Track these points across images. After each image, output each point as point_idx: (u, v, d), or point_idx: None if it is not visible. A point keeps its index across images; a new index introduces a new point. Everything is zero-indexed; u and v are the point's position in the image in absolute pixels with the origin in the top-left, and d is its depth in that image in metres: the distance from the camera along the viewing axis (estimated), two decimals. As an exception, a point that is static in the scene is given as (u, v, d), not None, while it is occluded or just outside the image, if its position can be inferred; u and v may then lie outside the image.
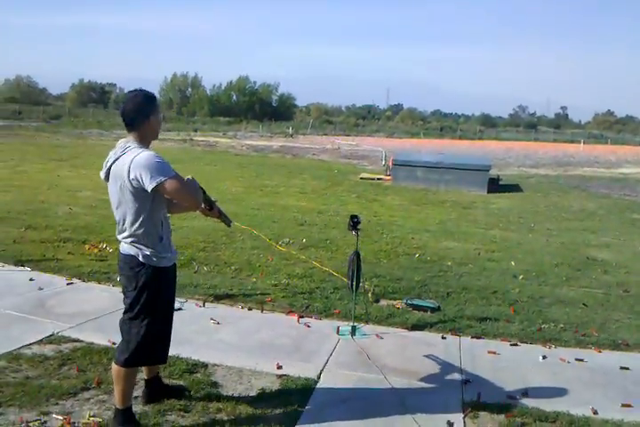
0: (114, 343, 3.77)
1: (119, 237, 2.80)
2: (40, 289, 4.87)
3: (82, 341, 3.85)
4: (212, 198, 3.07)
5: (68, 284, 5.09)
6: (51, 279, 5.21)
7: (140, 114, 2.72)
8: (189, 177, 2.84)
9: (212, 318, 4.42)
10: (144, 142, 2.73)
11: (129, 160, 2.62)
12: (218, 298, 4.92)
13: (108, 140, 27.11)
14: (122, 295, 4.69)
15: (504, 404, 3.32)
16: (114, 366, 2.81)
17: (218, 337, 4.12)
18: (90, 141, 26.48)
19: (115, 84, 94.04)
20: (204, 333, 4.17)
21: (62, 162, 16.07)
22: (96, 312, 4.40)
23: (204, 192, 2.96)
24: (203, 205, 3.00)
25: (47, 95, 79.64)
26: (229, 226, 3.30)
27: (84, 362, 3.53)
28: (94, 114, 56.60)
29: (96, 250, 6.27)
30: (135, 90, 2.79)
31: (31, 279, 5.12)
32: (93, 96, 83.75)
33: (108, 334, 3.90)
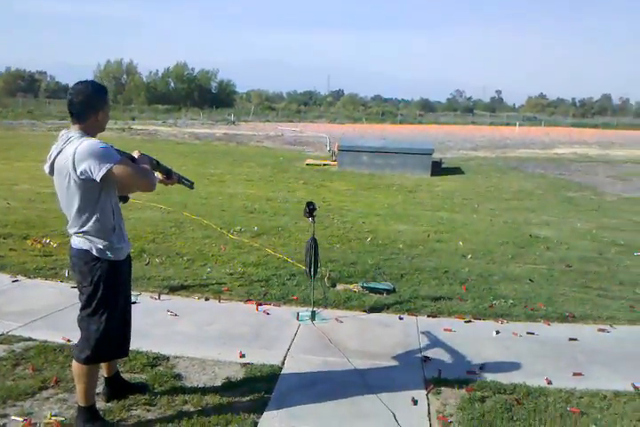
0: (68, 340, 3.67)
1: (70, 231, 2.69)
2: (-17, 288, 4.66)
3: (34, 339, 3.70)
4: (168, 166, 3.04)
5: (12, 281, 4.88)
6: (-6, 277, 4.98)
7: (89, 107, 2.61)
8: (137, 152, 2.80)
9: (168, 310, 4.35)
10: (88, 134, 2.62)
11: (72, 152, 2.51)
12: (173, 290, 4.84)
13: (42, 131, 26.02)
14: (71, 291, 4.62)
15: (464, 379, 3.43)
16: (74, 364, 2.72)
17: (176, 329, 4.05)
18: (22, 132, 25.29)
19: (45, 73, 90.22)
20: (161, 325, 4.09)
21: (-7, 155, 15.28)
22: (46, 309, 4.24)
23: (158, 163, 2.93)
24: (160, 176, 2.98)
25: (-29, 85, 75.41)
26: (192, 188, 3.30)
27: (39, 361, 3.41)
28: (24, 104, 54.11)
29: (39, 245, 6.03)
30: (86, 81, 2.67)
31: (-27, 278, 4.89)
32: (22, 85, 79.90)
33: (61, 332, 3.77)
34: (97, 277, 2.64)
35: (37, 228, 6.81)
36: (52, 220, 7.24)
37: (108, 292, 2.67)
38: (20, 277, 4.99)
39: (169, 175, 3.03)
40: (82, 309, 2.72)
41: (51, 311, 4.21)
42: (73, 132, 2.61)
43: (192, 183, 3.27)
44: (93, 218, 2.61)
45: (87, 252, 2.64)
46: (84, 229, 2.62)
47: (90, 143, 2.52)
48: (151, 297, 4.63)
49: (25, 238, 6.27)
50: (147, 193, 8.24)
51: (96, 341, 2.68)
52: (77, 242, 2.67)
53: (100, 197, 2.59)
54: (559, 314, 4.59)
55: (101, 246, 2.63)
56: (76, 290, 4.55)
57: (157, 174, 2.96)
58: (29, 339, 3.71)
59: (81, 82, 2.67)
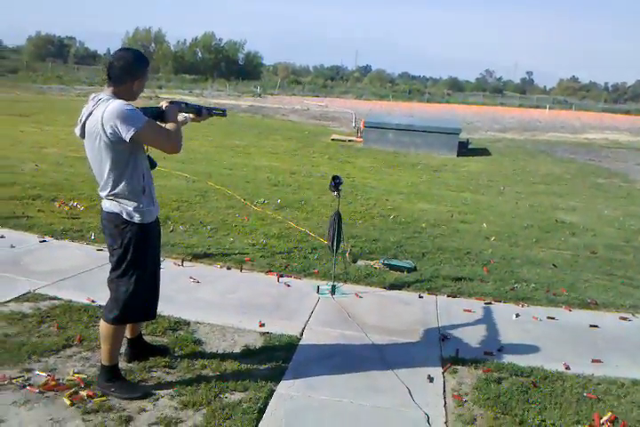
0: (93, 301, 3.75)
1: (101, 193, 2.72)
2: (12, 247, 4.75)
3: (60, 298, 3.79)
4: (197, 105, 3.08)
5: (40, 241, 4.97)
6: (22, 237, 5.07)
7: (127, 73, 2.64)
8: (164, 103, 2.82)
9: (191, 277, 4.41)
10: (118, 98, 2.63)
11: (100, 114, 2.54)
12: (196, 257, 4.89)
13: (70, 96, 26.18)
14: (97, 253, 4.71)
15: (481, 359, 3.44)
16: (102, 324, 2.78)
17: (198, 296, 4.11)
18: (50, 97, 25.48)
19: (74, 38, 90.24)
20: (184, 291, 4.15)
21: (24, 118, 15.44)
22: (72, 270, 4.33)
23: (187, 105, 2.98)
24: (191, 115, 3.02)
25: (2, 48, 75.88)
26: (225, 115, 3.32)
27: (64, 320, 3.49)
28: (53, 68, 54.35)
29: (67, 208, 6.12)
30: (130, 48, 2.73)
31: (2, 237, 4.98)
32: (52, 50, 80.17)
33: (86, 292, 3.86)
34: (127, 239, 2.68)
35: (65, 191, 6.90)
36: (79, 183, 7.33)
37: (137, 254, 2.71)
38: (47, 238, 5.08)
39: (199, 113, 3.05)
40: (112, 270, 2.77)
41: (77, 272, 4.29)
42: (103, 94, 2.64)
43: (224, 111, 3.30)
44: (124, 180, 2.64)
45: (117, 215, 2.67)
46: (115, 191, 2.65)
47: (117, 104, 2.54)
48: (175, 263, 4.68)
49: (53, 200, 6.37)
50: (174, 157, 8.22)
51: (124, 302, 2.73)
52: (108, 205, 2.71)
53: (129, 158, 2.62)
54: (581, 300, 4.54)
55: (131, 209, 2.66)
56: (101, 252, 4.69)
57: (188, 115, 3.00)
58: (55, 298, 3.80)
59: (125, 49, 2.72)
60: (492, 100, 67.50)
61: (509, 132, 24.05)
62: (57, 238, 5.11)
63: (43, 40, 79.50)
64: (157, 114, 2.78)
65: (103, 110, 2.54)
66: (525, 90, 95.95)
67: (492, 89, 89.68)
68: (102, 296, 3.51)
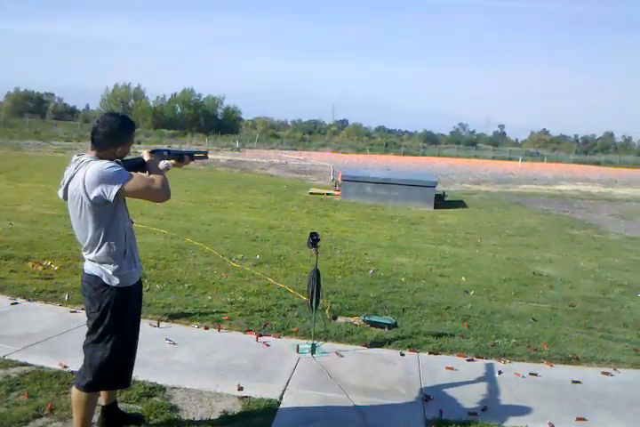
0: (65, 367, 3.62)
1: (83, 254, 2.72)
2: (-19, 310, 4.61)
3: (31, 364, 3.65)
4: (179, 150, 3.08)
5: (12, 304, 4.84)
6: (-7, 299, 4.94)
7: (112, 140, 2.66)
8: (146, 153, 2.82)
9: (167, 339, 4.30)
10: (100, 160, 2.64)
11: (82, 177, 2.55)
12: (172, 317, 4.79)
13: (47, 152, 26.21)
14: (70, 315, 4.59)
15: (465, 420, 3.36)
16: (74, 391, 2.68)
17: (175, 358, 4.00)
18: (27, 153, 25.45)
19: (53, 94, 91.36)
20: (159, 354, 4.03)
21: (-1, 174, 15.36)
22: (44, 334, 4.19)
23: (169, 152, 2.97)
24: (173, 162, 2.97)
25: (-21, 104, 76.35)
26: (207, 157, 3.30)
27: (35, 387, 3.35)
28: (31, 124, 54.62)
29: (40, 267, 6.00)
30: (117, 114, 2.75)
31: (-29, 299, 4.85)
32: (30, 106, 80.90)
33: (58, 357, 3.73)
34: (105, 303, 2.64)
35: (39, 249, 6.79)
36: (54, 242, 7.23)
37: (115, 319, 2.66)
38: (19, 300, 4.95)
39: (182, 159, 3.05)
40: (88, 334, 2.71)
41: (48, 336, 4.16)
42: (85, 156, 2.66)
43: (205, 153, 3.29)
44: (105, 242, 2.63)
45: (97, 278, 2.65)
46: (96, 253, 2.64)
47: (97, 166, 2.55)
48: (150, 324, 4.57)
49: (26, 260, 6.24)
50: (152, 213, 8.12)
51: (99, 368, 2.64)
52: (89, 267, 2.69)
53: (112, 220, 2.62)
54: (562, 355, 4.52)
55: (111, 272, 2.64)
56: (74, 314, 4.57)
57: (170, 162, 2.96)
58: (25, 364, 3.66)
59: (112, 114, 2.75)
60: (466, 152, 69.33)
61: (484, 184, 24.57)
62: (29, 300, 4.98)
63: (21, 96, 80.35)
64: (139, 164, 2.80)
65: (84, 173, 2.55)
66: (498, 142, 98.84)
67: (465, 142, 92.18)
68: (75, 361, 3.41)
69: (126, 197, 2.68)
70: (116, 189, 2.50)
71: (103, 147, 2.65)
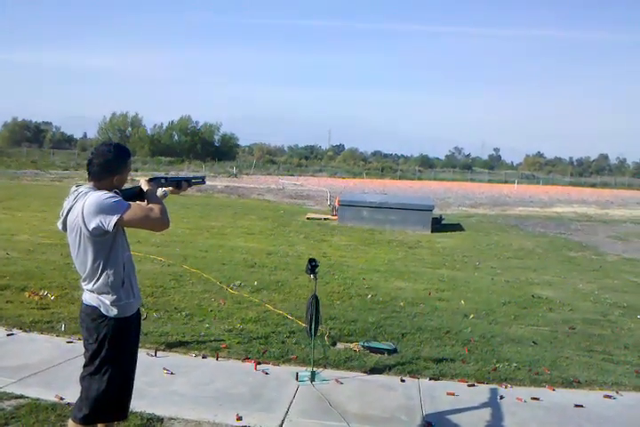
0: (61, 398, 3.57)
1: (82, 285, 2.71)
2: (-23, 341, 4.57)
3: (26, 397, 3.60)
4: (177, 177, 3.09)
5: (8, 335, 4.79)
6: (-12, 330, 4.89)
7: (107, 170, 2.66)
8: (144, 182, 2.81)
9: (164, 368, 4.25)
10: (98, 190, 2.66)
11: (80, 208, 2.56)
12: (170, 346, 4.74)
13: (44, 181, 26.28)
14: (67, 346, 4.56)
15: (468, 448, 3.32)
16: (71, 424, 2.64)
17: (172, 388, 3.95)
18: (25, 182, 25.53)
19: (51, 123, 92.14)
20: (157, 384, 3.98)
21: (-4, 203, 15.38)
22: (40, 365, 4.15)
23: (167, 179, 2.98)
24: (170, 188, 2.99)
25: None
26: (204, 182, 3.31)
27: (30, 420, 3.30)
28: (29, 153, 54.91)
29: (37, 298, 5.96)
30: (110, 143, 2.73)
31: (-33, 331, 4.80)
32: (28, 135, 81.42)
33: (54, 389, 3.68)
34: (102, 334, 2.62)
35: (36, 279, 6.75)
36: (50, 271, 7.20)
37: (112, 351, 2.64)
38: (15, 331, 4.91)
39: (179, 185, 3.06)
40: (85, 366, 2.68)
41: (45, 367, 4.12)
42: (83, 187, 2.66)
43: (203, 178, 3.30)
44: (105, 272, 2.63)
45: (95, 308, 2.64)
46: (95, 284, 2.64)
47: (94, 197, 2.55)
48: (147, 354, 4.52)
49: (23, 290, 6.21)
50: (149, 241, 8.14)
51: (95, 400, 2.61)
52: (87, 297, 2.68)
53: (111, 250, 2.62)
54: (564, 379, 4.48)
55: (108, 302, 2.63)
56: (71, 344, 4.54)
57: (167, 189, 2.97)
58: (21, 396, 3.61)
59: (106, 144, 2.73)
60: (462, 175, 69.71)
61: (481, 207, 24.64)
62: (25, 331, 4.94)
63: (19, 126, 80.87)
64: (137, 193, 2.80)
65: (82, 205, 2.55)
66: (493, 166, 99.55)
67: (461, 165, 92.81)
68: (71, 393, 3.37)
69: (125, 227, 2.68)
70: (114, 219, 2.51)
71: (100, 177, 2.66)
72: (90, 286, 2.65)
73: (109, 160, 2.66)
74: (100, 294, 2.63)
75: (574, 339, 5.61)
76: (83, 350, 2.71)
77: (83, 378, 2.67)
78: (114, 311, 2.63)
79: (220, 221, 14.46)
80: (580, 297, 7.61)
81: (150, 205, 2.69)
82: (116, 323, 2.63)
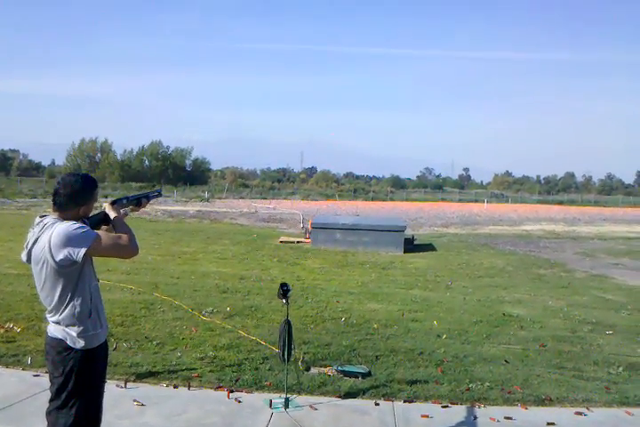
0: (27, 435, 3.47)
1: (47, 317, 2.68)
2: (-61, 378, 4.42)
3: (-10, 435, 3.50)
4: (136, 196, 3.13)
5: (-29, 370, 4.66)
6: (-49, 366, 4.74)
7: (74, 201, 2.66)
8: (108, 206, 2.84)
9: (135, 400, 4.16)
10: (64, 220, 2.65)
11: (47, 240, 2.54)
12: (140, 377, 4.65)
13: (11, 209, 25.77)
14: (33, 380, 4.46)
15: (443, 470, 3.31)
16: None
17: (143, 420, 3.87)
18: (-9, 210, 25.00)
19: (17, 151, 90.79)
20: (126, 417, 3.90)
21: (-39, 233, 15.01)
22: (5, 400, 4.02)
23: (128, 199, 3.04)
24: (131, 207, 3.05)
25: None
26: (161, 195, 3.41)
27: (-6, 459, 3.20)
28: (-5, 181, 53.92)
29: (2, 330, 5.80)
30: (77, 174, 2.74)
31: None
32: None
33: (20, 425, 3.59)
34: (69, 368, 2.58)
35: (1, 311, 6.58)
36: (16, 303, 7.02)
37: (79, 384, 2.59)
38: (-21, 365, 4.76)
39: (140, 203, 3.10)
40: (51, 400, 2.63)
41: (10, 403, 4.00)
42: (49, 218, 2.64)
43: (159, 191, 3.38)
44: (71, 303, 2.60)
45: (61, 341, 2.61)
46: (61, 315, 2.60)
47: (62, 228, 2.53)
48: (117, 385, 4.43)
49: (-13, 323, 6.04)
50: (118, 269, 8.03)
51: None
52: (53, 330, 2.65)
53: (78, 280, 2.60)
54: (536, 397, 4.52)
55: (75, 334, 2.59)
56: (37, 378, 4.44)
57: (127, 209, 3.02)
58: (-15, 434, 3.50)
59: (72, 174, 2.73)
60: (433, 195, 70.63)
61: (452, 226, 24.94)
62: (-10, 365, 4.80)
63: (-15, 154, 79.54)
64: (102, 218, 2.83)
65: (50, 236, 2.53)
66: (463, 185, 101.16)
67: (432, 185, 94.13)
68: (37, 429, 3.29)
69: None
70: (83, 250, 2.50)
71: (66, 208, 2.65)
72: (55, 318, 2.61)
73: (76, 191, 2.65)
74: (66, 326, 2.59)
75: (545, 356, 5.68)
76: (49, 384, 2.66)
77: (49, 413, 2.61)
78: (81, 343, 2.59)
79: (192, 246, 14.34)
80: (550, 314, 7.72)
81: (119, 234, 2.68)
82: (82, 355, 2.59)
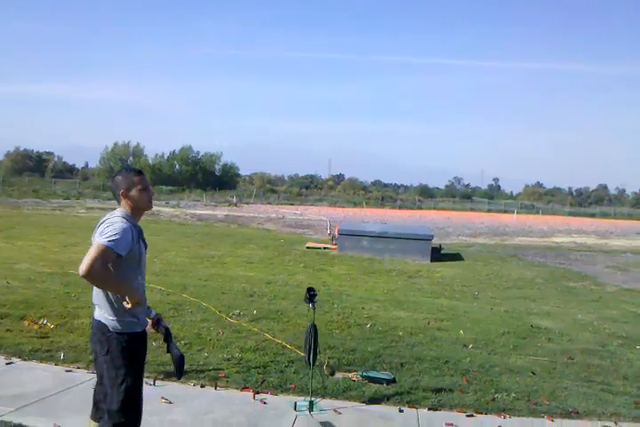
0: (59, 427, 3.57)
1: (93, 301, 2.88)
2: (-24, 370, 4.57)
3: (25, 426, 3.59)
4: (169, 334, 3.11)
5: (7, 363, 4.79)
6: (-12, 359, 4.90)
7: (115, 190, 2.93)
8: (136, 302, 2.71)
9: (163, 398, 4.25)
10: (131, 212, 2.88)
11: (99, 224, 2.80)
12: (168, 375, 4.73)
13: (45, 210, 26.39)
14: (65, 375, 4.58)
15: (466, 479, 3.30)
16: None
17: (170, 418, 3.95)
18: (25, 211, 25.63)
19: (52, 153, 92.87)
20: (155, 413, 3.97)
21: (-3, 232, 15.44)
22: (39, 394, 4.14)
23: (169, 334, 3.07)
24: (157, 328, 3.09)
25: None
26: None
27: (28, 450, 3.30)
28: (30, 182, 55.26)
29: (36, 326, 5.97)
30: (122, 168, 3.08)
31: (-34, 359, 4.81)
32: (30, 164, 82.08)
33: (53, 418, 3.69)
34: (114, 346, 2.75)
35: (35, 308, 6.77)
36: (50, 300, 7.22)
37: (125, 361, 2.76)
38: (14, 360, 4.91)
39: (167, 338, 3.10)
40: (99, 384, 2.85)
41: (43, 396, 4.11)
42: (117, 210, 2.90)
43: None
44: (106, 292, 2.77)
45: (105, 324, 2.78)
46: (103, 300, 2.78)
47: (115, 218, 2.77)
48: (146, 383, 4.48)
49: (22, 319, 6.22)
50: (149, 270, 8.20)
51: (122, 405, 2.74)
52: (97, 313, 2.84)
53: (119, 266, 2.71)
54: (562, 409, 4.47)
55: (112, 319, 2.77)
56: (70, 374, 4.55)
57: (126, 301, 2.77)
58: (20, 425, 3.60)
59: (116, 172, 3.03)
60: (461, 205, 70.00)
61: (480, 236, 24.69)
62: (24, 359, 4.94)
63: (21, 155, 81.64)
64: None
65: (102, 220, 2.80)
66: (493, 195, 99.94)
67: (461, 195, 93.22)
68: (69, 422, 3.41)
69: (143, 257, 2.89)
70: (104, 239, 2.66)
71: (116, 199, 2.94)
72: (99, 303, 2.82)
73: (113, 180, 2.95)
74: (107, 309, 2.79)
75: (573, 369, 5.60)
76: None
77: (102, 399, 2.81)
78: (119, 328, 2.78)
79: (220, 250, 14.50)
80: (579, 327, 7.60)
81: (97, 256, 2.56)
82: (127, 337, 2.78)
